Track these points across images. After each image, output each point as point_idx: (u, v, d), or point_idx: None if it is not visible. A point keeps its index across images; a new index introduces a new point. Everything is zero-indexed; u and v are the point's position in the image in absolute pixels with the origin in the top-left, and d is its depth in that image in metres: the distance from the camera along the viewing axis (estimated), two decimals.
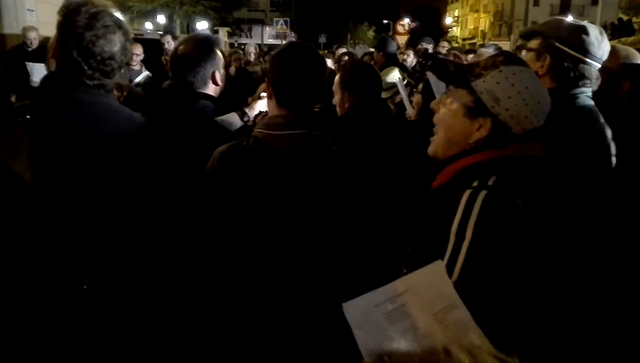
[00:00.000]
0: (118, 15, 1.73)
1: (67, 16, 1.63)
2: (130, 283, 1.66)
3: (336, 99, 2.63)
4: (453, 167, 1.38)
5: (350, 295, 1.08)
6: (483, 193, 1.24)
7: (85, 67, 1.64)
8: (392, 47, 5.93)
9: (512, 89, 1.31)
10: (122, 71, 1.75)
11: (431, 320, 1.06)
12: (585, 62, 1.84)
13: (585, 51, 1.84)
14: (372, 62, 7.14)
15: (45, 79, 1.70)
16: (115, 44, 1.67)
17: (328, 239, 1.58)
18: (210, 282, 1.62)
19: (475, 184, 1.29)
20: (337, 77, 2.65)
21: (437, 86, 1.61)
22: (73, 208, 1.60)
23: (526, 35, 2.05)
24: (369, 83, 2.61)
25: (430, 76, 1.80)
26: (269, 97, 1.68)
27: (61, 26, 1.65)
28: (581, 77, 1.85)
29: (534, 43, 1.95)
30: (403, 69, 5.26)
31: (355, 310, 1.02)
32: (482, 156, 1.33)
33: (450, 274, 1.22)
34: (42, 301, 1.58)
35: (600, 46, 1.86)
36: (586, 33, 1.84)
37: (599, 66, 1.88)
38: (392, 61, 5.79)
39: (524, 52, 2.03)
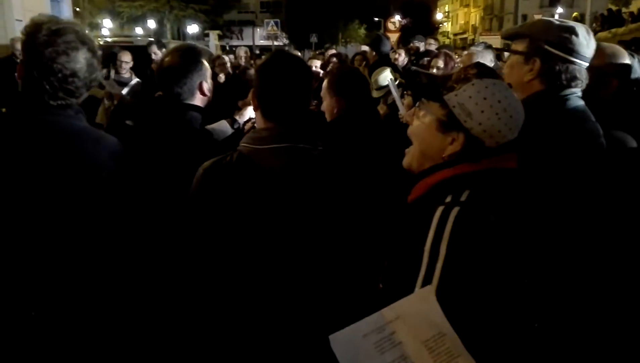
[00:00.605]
0: (86, 30, 1.67)
1: (29, 34, 1.58)
2: (101, 311, 1.61)
3: (324, 105, 2.62)
4: (427, 181, 1.36)
5: (337, 316, 1.06)
6: (456, 210, 1.22)
7: (47, 86, 1.57)
8: (386, 47, 5.93)
9: (485, 103, 1.28)
10: (89, 90, 1.67)
11: (422, 348, 1.05)
12: (575, 63, 1.84)
13: (575, 52, 1.83)
14: (364, 63, 7.15)
15: (11, 101, 1.64)
16: (77, 60, 1.59)
17: (314, 256, 1.55)
18: (191, 304, 1.59)
19: (448, 199, 1.27)
20: (325, 83, 2.63)
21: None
22: (33, 231, 1.54)
23: (511, 37, 2.01)
24: (357, 88, 2.61)
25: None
26: (255, 109, 1.66)
27: (23, 45, 1.60)
28: (573, 79, 1.84)
29: (520, 45, 1.92)
30: (395, 69, 5.26)
31: (342, 341, 1.01)
32: (455, 171, 1.31)
33: None
34: None
35: (589, 45, 1.85)
36: (575, 34, 1.83)
37: (587, 64, 1.87)
38: (385, 61, 5.79)
39: (507, 54, 2.01)
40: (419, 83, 1.44)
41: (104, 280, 1.62)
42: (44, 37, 1.56)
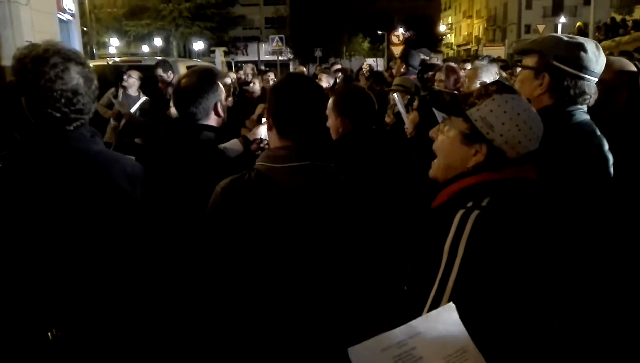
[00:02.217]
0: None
1: (18, 72, 1.59)
2: (122, 334, 1.64)
3: (330, 124, 2.65)
4: (451, 189, 1.45)
5: (357, 325, 1.07)
6: (475, 213, 1.31)
7: (58, 115, 1.58)
8: (415, 61, 5.95)
9: (505, 116, 1.38)
10: (95, 101, 1.67)
11: None
12: (584, 79, 1.86)
13: (584, 67, 1.86)
14: (368, 75, 7.18)
15: (27, 132, 1.64)
16: (72, 78, 1.59)
17: (336, 271, 1.57)
18: (211, 323, 1.61)
19: (469, 204, 1.35)
20: (330, 102, 2.66)
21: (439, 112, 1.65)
22: (57, 254, 1.57)
23: (522, 52, 2.06)
24: (362, 108, 2.63)
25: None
26: (269, 128, 1.68)
27: (17, 84, 1.60)
28: (581, 94, 1.87)
29: (530, 61, 1.96)
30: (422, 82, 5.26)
31: (361, 354, 1.02)
32: (477, 179, 1.40)
33: (442, 289, 1.27)
34: (6, 351, 1.56)
35: (598, 61, 1.88)
36: (584, 50, 1.86)
37: (596, 80, 1.89)
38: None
39: (519, 69, 2.04)
40: (443, 101, 1.53)
41: (125, 299, 1.64)
42: (31, 70, 1.55)
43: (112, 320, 1.63)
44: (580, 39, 1.93)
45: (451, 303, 1.16)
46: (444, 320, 1.11)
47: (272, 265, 1.55)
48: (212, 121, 2.17)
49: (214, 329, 1.62)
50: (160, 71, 6.26)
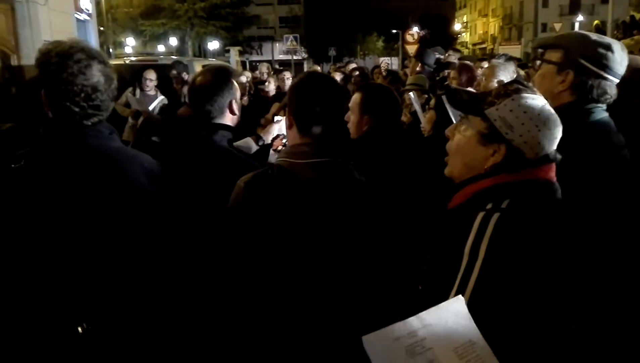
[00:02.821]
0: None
1: (41, 65, 1.62)
2: (143, 328, 1.66)
3: (351, 121, 2.64)
4: (468, 189, 1.43)
5: (371, 319, 1.09)
6: (496, 216, 1.30)
7: (76, 109, 1.61)
8: (430, 60, 5.94)
9: (525, 116, 1.36)
10: (113, 100, 1.71)
11: (452, 354, 1.08)
12: (607, 80, 1.85)
13: (609, 68, 1.84)
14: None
15: (44, 123, 1.68)
16: (93, 75, 1.62)
17: (353, 265, 1.59)
18: (233, 313, 1.64)
19: (489, 206, 1.34)
20: (354, 98, 2.64)
21: (454, 110, 1.65)
22: (78, 252, 1.60)
23: (544, 46, 2.04)
24: (387, 108, 2.62)
25: (446, 102, 1.83)
26: (289, 126, 1.71)
27: (39, 76, 1.64)
28: (603, 94, 1.85)
29: (554, 56, 1.93)
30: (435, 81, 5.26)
31: (375, 343, 1.05)
32: (496, 180, 1.39)
33: (462, 291, 1.26)
34: (37, 346, 1.59)
35: (622, 63, 1.86)
36: (612, 51, 1.84)
37: (618, 81, 1.88)
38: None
39: (538, 62, 2.02)
40: (461, 100, 1.51)
41: (147, 293, 1.66)
42: (55, 63, 1.59)
43: (137, 314, 1.65)
44: (608, 39, 1.90)
45: (460, 295, 1.19)
46: (453, 312, 1.14)
47: (293, 258, 1.57)
48: (227, 119, 2.18)
49: (233, 321, 1.64)
50: (175, 72, 6.32)
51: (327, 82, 1.71)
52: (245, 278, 1.61)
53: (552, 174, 1.39)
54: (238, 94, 2.22)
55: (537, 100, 1.39)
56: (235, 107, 2.18)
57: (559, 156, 1.41)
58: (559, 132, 1.39)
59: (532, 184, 1.37)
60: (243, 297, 1.62)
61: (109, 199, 1.62)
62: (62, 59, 1.59)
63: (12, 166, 1.60)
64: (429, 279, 1.45)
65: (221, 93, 2.13)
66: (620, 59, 1.85)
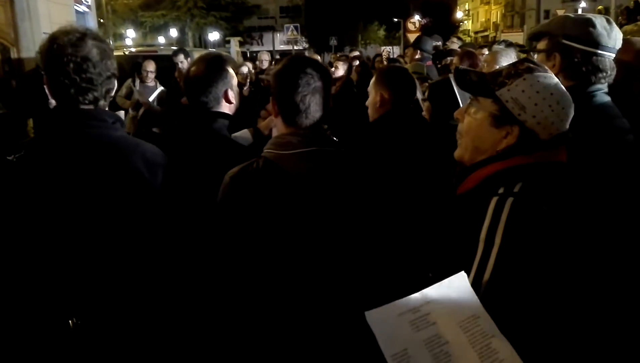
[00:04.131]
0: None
1: (41, 51, 1.64)
2: (133, 322, 1.65)
3: (369, 100, 2.66)
4: (479, 173, 1.40)
5: (375, 303, 1.08)
6: (510, 200, 1.27)
7: (66, 81, 1.60)
8: (428, 45, 5.91)
9: (538, 96, 1.33)
10: (110, 78, 1.69)
11: (456, 328, 1.09)
12: (597, 55, 1.83)
13: (595, 43, 1.82)
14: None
15: (41, 112, 1.69)
16: (84, 47, 1.61)
17: (348, 255, 1.55)
18: (225, 308, 1.60)
19: (501, 191, 1.31)
20: (373, 79, 2.68)
21: (463, 94, 1.62)
22: (75, 244, 1.59)
23: (535, 37, 2.04)
24: (405, 84, 2.64)
25: (455, 85, 1.81)
26: (275, 115, 1.65)
27: (43, 66, 1.65)
28: (595, 71, 1.83)
29: (542, 44, 1.95)
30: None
31: (378, 318, 1.06)
32: (508, 163, 1.36)
33: (479, 279, 1.24)
34: (28, 340, 1.58)
35: (611, 35, 1.84)
36: (592, 25, 1.82)
37: (613, 55, 1.86)
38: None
39: (536, 56, 2.02)
40: (470, 81, 1.46)
41: (143, 287, 1.65)
42: (49, 41, 1.63)
43: (132, 308, 1.64)
44: (589, 15, 1.91)
45: (462, 272, 1.18)
46: (456, 288, 1.14)
47: (282, 252, 1.52)
48: (225, 108, 2.15)
49: (228, 317, 1.61)
50: (181, 57, 6.23)
51: (311, 67, 1.61)
52: (238, 273, 1.57)
53: (564, 157, 1.37)
54: (234, 81, 2.18)
55: (548, 78, 1.37)
56: (231, 95, 2.14)
57: (569, 135, 1.38)
58: (572, 111, 1.37)
59: (545, 167, 1.34)
60: (236, 293, 1.58)
61: (109, 190, 1.61)
62: (54, 37, 1.62)
63: (14, 155, 1.59)
64: (439, 265, 1.40)
65: (215, 83, 2.09)
66: (605, 32, 1.83)
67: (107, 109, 1.74)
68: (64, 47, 1.59)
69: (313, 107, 1.60)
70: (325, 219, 1.54)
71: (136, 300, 1.65)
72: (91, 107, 1.66)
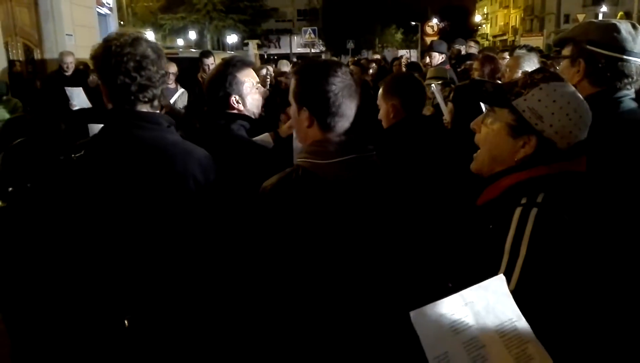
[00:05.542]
0: (150, 34, 1.76)
1: (93, 58, 1.70)
2: (179, 321, 1.67)
3: (381, 112, 2.65)
4: (500, 184, 1.39)
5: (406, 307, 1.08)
6: (534, 211, 1.26)
7: (128, 80, 1.63)
8: (443, 48, 5.90)
9: (555, 105, 1.32)
10: (164, 78, 1.74)
11: (493, 331, 1.09)
12: (623, 60, 1.81)
13: (620, 48, 1.80)
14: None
15: (105, 120, 1.73)
16: (140, 46, 1.66)
17: (387, 263, 1.53)
18: (266, 315, 1.58)
19: (524, 201, 1.30)
20: (380, 90, 2.66)
21: None
22: (127, 240, 1.62)
23: (559, 43, 2.03)
24: (414, 91, 2.63)
25: None
26: (309, 124, 1.57)
27: (96, 72, 1.71)
28: (620, 76, 1.81)
29: (566, 50, 1.93)
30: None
31: (422, 318, 1.06)
32: (528, 174, 1.34)
33: None
34: (84, 339, 1.62)
35: (636, 40, 1.82)
36: (617, 31, 1.81)
37: (638, 60, 1.83)
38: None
39: (561, 62, 2.01)
40: (486, 91, 1.46)
41: (192, 285, 1.67)
42: (102, 46, 1.67)
43: (185, 309, 1.66)
44: (613, 20, 1.88)
45: (501, 274, 1.18)
46: (494, 291, 1.13)
47: (326, 262, 1.48)
48: (245, 111, 2.19)
49: (276, 324, 1.57)
50: (211, 60, 6.24)
51: (341, 71, 1.55)
52: (283, 281, 1.52)
53: (584, 166, 1.36)
54: (244, 87, 2.17)
55: (565, 87, 1.36)
56: (234, 102, 2.15)
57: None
58: (589, 119, 1.36)
59: (567, 177, 1.33)
60: (283, 301, 1.54)
61: (161, 194, 1.63)
62: (109, 40, 1.67)
63: (73, 156, 1.64)
64: (460, 275, 1.38)
65: (218, 90, 2.13)
66: (630, 37, 1.80)
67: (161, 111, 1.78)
68: (123, 46, 1.64)
69: (346, 106, 1.54)
70: (368, 228, 1.51)
71: (186, 300, 1.67)
72: (148, 106, 1.71)
